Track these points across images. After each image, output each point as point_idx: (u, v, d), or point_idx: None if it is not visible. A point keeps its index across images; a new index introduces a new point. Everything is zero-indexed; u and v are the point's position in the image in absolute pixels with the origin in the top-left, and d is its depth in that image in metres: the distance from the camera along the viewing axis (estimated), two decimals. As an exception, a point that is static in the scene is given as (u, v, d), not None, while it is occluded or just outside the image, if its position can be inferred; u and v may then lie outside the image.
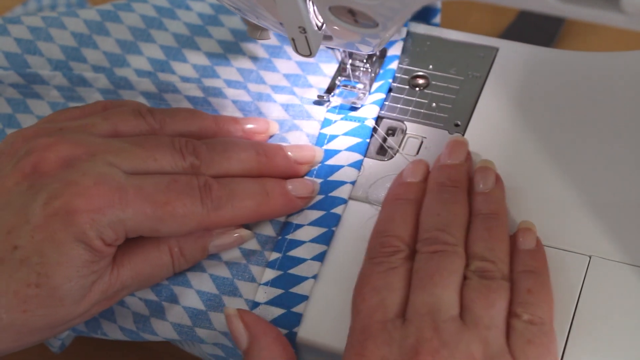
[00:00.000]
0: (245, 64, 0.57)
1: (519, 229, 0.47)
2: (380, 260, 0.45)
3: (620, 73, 0.53)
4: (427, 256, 0.44)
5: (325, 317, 0.47)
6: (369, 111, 0.53)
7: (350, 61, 0.54)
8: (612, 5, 0.34)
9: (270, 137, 0.54)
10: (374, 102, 0.54)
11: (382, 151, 0.53)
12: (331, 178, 0.51)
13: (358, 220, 0.50)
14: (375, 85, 0.55)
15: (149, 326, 0.49)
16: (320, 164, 0.52)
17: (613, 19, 0.34)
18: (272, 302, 0.48)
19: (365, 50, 0.49)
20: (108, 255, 0.45)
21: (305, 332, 0.47)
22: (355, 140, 0.52)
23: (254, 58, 0.57)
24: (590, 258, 0.46)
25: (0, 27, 0.59)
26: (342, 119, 0.54)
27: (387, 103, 0.54)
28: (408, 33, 0.57)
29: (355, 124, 0.53)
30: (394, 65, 0.55)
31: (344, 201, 0.50)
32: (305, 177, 0.51)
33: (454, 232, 0.45)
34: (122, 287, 0.47)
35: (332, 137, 0.53)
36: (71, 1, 0.72)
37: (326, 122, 0.54)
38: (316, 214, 0.50)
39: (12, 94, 0.57)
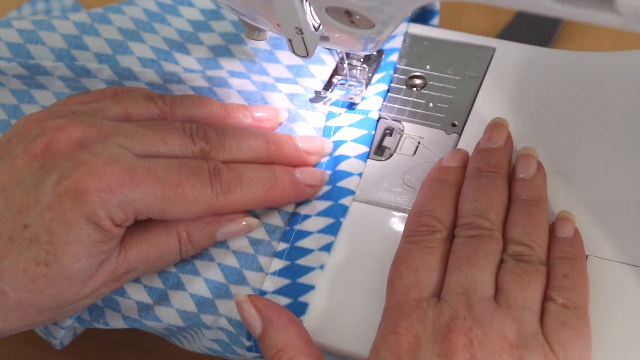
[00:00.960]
0: (249, 57, 0.57)
1: (558, 217, 0.47)
2: (417, 239, 0.45)
3: (617, 73, 0.53)
4: (465, 240, 0.45)
5: (331, 307, 0.47)
6: (372, 103, 0.54)
7: (347, 61, 0.54)
8: (607, 6, 0.34)
9: (279, 125, 0.54)
10: (377, 94, 0.54)
11: (380, 151, 0.53)
12: (338, 168, 0.51)
13: (364, 213, 0.50)
14: (377, 76, 0.55)
15: (152, 313, 0.49)
16: (329, 156, 0.52)
17: (608, 19, 0.34)
18: (279, 292, 0.48)
19: (362, 51, 0.49)
20: (117, 236, 0.46)
21: (312, 321, 0.47)
22: (360, 132, 0.53)
23: (256, 49, 0.57)
24: (587, 257, 0.46)
25: (2, 22, 0.59)
26: (346, 111, 0.54)
27: (384, 103, 0.54)
28: (405, 33, 0.57)
29: (359, 116, 0.53)
30: (394, 57, 0.56)
31: (351, 192, 0.51)
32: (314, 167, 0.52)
33: (492, 217, 0.45)
34: (129, 270, 0.47)
35: (338, 129, 0.53)
36: (66, 6, 0.73)
37: (330, 115, 0.54)
38: (324, 204, 0.50)
39: (17, 85, 0.57)
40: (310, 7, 0.44)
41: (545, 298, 0.43)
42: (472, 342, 0.41)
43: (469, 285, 0.43)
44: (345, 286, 0.48)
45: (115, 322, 0.50)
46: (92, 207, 0.44)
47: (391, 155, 0.52)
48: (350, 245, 0.49)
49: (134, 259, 0.47)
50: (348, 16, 0.43)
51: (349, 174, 0.51)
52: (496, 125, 0.50)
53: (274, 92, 0.55)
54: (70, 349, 0.57)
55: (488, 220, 0.45)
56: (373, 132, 0.53)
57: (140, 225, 0.47)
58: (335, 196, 0.50)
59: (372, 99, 0.54)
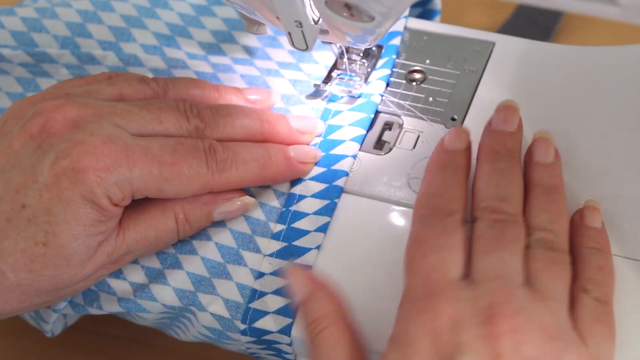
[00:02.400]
0: (251, 42, 0.57)
1: (586, 206, 0.47)
2: (434, 222, 0.45)
3: (617, 67, 0.54)
4: (489, 223, 0.44)
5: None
6: (375, 87, 0.54)
7: (347, 55, 0.54)
8: (606, -2, 0.34)
9: (274, 108, 0.54)
10: (380, 78, 0.54)
11: (379, 145, 0.53)
12: (333, 152, 0.52)
13: (364, 207, 0.50)
14: (380, 62, 0.55)
15: (147, 292, 0.49)
16: (323, 138, 0.53)
17: (607, 11, 0.34)
18: (276, 273, 0.48)
19: (362, 45, 0.49)
20: (115, 216, 0.46)
21: None
22: (360, 115, 0.53)
23: (260, 37, 0.57)
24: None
25: (6, 9, 0.59)
26: (349, 94, 0.54)
27: (383, 98, 0.55)
28: (405, 28, 0.57)
29: (361, 100, 0.53)
30: (396, 40, 0.56)
31: (345, 174, 0.51)
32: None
33: (514, 203, 0.45)
34: (127, 251, 0.48)
35: (337, 112, 0.53)
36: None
37: (333, 97, 0.54)
38: (319, 187, 0.51)
39: (22, 73, 0.57)
40: (309, 0, 0.44)
41: (578, 288, 0.43)
42: (516, 328, 0.40)
43: (502, 270, 0.42)
44: (342, 266, 0.48)
45: (110, 305, 0.50)
46: (89, 186, 0.44)
47: (390, 149, 0.52)
48: (347, 237, 0.49)
49: (132, 240, 0.47)
50: (347, 9, 0.43)
51: (343, 157, 0.51)
52: (509, 108, 0.49)
53: (277, 77, 0.55)
54: (69, 342, 0.58)
55: (511, 205, 0.45)
56: (372, 115, 0.53)
57: (138, 206, 0.48)
58: (330, 178, 0.51)
59: (374, 83, 0.54)
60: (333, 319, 0.44)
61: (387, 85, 0.55)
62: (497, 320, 0.40)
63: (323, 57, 0.56)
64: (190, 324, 0.51)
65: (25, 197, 0.44)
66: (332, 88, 0.55)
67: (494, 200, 0.45)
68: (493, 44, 0.56)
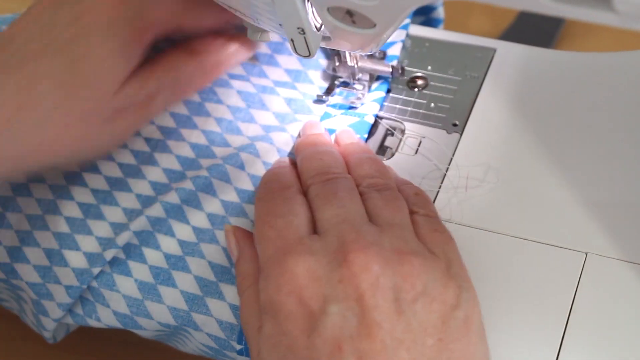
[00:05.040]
0: (249, 58, 0.58)
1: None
2: (274, 196, 0.46)
3: (617, 73, 0.54)
4: (321, 184, 0.46)
5: None
6: (369, 108, 0.54)
7: (349, 62, 0.54)
8: (604, 4, 0.35)
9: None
10: (375, 100, 0.55)
11: (382, 151, 0.53)
12: None
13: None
14: (375, 84, 0.56)
15: (143, 309, 0.49)
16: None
17: (605, 17, 0.35)
18: None
19: (364, 52, 0.50)
20: (141, 45, 0.48)
21: None
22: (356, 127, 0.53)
23: (257, 53, 0.57)
24: (586, 255, 0.47)
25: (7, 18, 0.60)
26: (342, 113, 0.54)
27: (386, 103, 0.55)
28: (407, 35, 0.58)
29: (355, 119, 0.54)
30: (395, 49, 0.56)
31: None
32: None
33: (340, 167, 0.48)
34: (157, 90, 0.50)
35: (331, 131, 0.53)
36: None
37: (326, 116, 0.54)
38: None
39: None
40: (312, 7, 0.45)
41: (409, 213, 0.46)
42: (371, 259, 0.41)
43: (347, 214, 0.44)
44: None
45: (107, 319, 0.50)
46: (117, 12, 0.47)
47: (393, 154, 0.53)
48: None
49: (159, 79, 0.50)
50: (349, 16, 0.44)
51: None
52: (311, 125, 0.53)
53: (272, 95, 0.55)
54: (74, 347, 0.58)
55: (338, 168, 0.48)
56: (365, 135, 0.53)
57: (158, 57, 0.51)
58: None
59: (369, 104, 0.54)
60: (256, 279, 0.45)
61: (389, 91, 0.55)
62: (351, 258, 0.41)
63: (318, 77, 0.56)
64: (189, 338, 0.51)
65: (56, 27, 0.47)
66: (333, 99, 0.55)
67: (321, 170, 0.47)
68: (494, 51, 0.56)
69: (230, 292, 0.48)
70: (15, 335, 0.61)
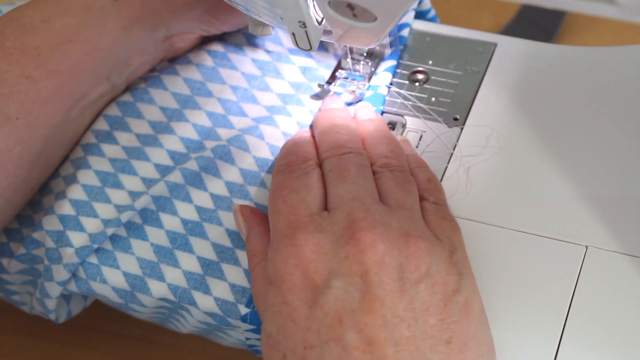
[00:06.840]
0: (260, 56, 0.58)
1: (400, 140, 0.52)
2: (291, 169, 0.47)
3: (618, 67, 0.54)
4: (336, 158, 0.47)
5: None
6: (382, 79, 0.55)
7: (350, 55, 0.55)
8: (604, -3, 0.35)
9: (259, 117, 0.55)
10: (387, 69, 0.55)
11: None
12: None
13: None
14: (382, 66, 0.56)
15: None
16: None
17: (605, 9, 0.35)
18: None
19: (365, 45, 0.50)
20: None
21: None
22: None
23: (259, 62, 0.57)
24: (586, 248, 0.47)
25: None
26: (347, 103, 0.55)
27: (387, 98, 0.55)
28: (405, 37, 0.58)
29: (369, 92, 0.54)
30: (405, 32, 0.56)
31: None
32: None
33: (356, 142, 0.49)
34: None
35: (348, 104, 0.54)
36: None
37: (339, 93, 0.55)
38: None
39: None
40: (313, 0, 0.45)
41: (419, 198, 0.47)
42: (378, 238, 0.42)
43: (357, 192, 0.44)
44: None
45: (115, 280, 0.50)
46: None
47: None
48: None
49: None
50: (350, 9, 0.44)
51: None
52: (332, 100, 0.54)
53: (287, 64, 0.56)
54: (77, 341, 0.58)
55: (353, 144, 0.48)
56: (382, 107, 0.53)
57: None
58: None
59: (381, 74, 0.55)
60: (265, 255, 0.46)
61: (391, 84, 0.56)
62: (359, 235, 0.42)
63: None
64: (188, 314, 0.51)
65: None
66: (335, 88, 0.55)
67: (337, 143, 0.48)
68: (495, 45, 0.57)
69: (246, 258, 0.49)
70: (19, 329, 0.61)
